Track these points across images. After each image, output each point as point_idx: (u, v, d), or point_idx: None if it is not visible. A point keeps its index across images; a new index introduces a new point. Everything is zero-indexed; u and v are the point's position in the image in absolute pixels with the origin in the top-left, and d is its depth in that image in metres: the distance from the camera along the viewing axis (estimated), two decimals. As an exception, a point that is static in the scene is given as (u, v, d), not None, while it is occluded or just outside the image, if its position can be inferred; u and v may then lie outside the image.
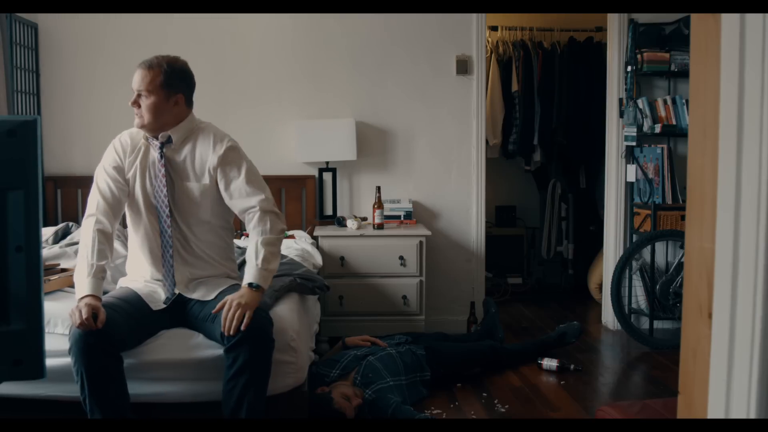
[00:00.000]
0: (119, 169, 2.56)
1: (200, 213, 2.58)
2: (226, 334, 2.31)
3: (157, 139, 2.54)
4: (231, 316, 2.31)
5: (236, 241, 3.59)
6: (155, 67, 2.47)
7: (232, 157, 2.56)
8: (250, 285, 2.40)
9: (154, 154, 2.56)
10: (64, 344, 2.31)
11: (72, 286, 2.87)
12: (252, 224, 2.52)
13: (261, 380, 2.34)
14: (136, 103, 2.48)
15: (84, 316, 2.22)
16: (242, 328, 2.30)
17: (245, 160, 2.60)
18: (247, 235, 3.96)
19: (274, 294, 2.72)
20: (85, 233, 2.47)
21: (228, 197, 2.57)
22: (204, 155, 2.56)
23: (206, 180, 2.56)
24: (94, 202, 2.52)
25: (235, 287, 2.51)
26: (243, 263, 2.77)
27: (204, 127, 2.62)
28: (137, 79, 2.48)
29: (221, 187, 2.56)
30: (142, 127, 2.51)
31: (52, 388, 2.42)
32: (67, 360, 2.31)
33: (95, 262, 2.40)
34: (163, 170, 2.54)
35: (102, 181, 2.55)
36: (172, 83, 2.50)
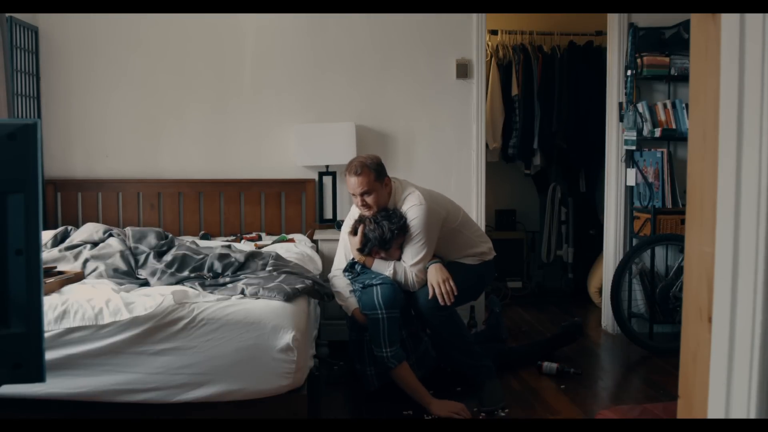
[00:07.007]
0: None
1: None
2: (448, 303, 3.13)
3: None
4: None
5: (235, 245, 3.58)
6: (365, 171, 3.15)
7: (413, 223, 3.18)
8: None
9: None
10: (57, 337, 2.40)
11: (72, 282, 2.88)
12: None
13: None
14: (363, 200, 3.18)
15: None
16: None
17: (424, 226, 3.18)
18: (247, 239, 3.97)
19: (294, 291, 2.72)
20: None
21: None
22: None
23: None
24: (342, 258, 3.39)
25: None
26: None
27: (401, 189, 3.28)
28: (355, 185, 3.16)
29: None
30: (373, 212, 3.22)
31: (50, 385, 2.41)
32: (62, 352, 2.43)
33: None
34: None
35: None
36: (380, 175, 3.21)
